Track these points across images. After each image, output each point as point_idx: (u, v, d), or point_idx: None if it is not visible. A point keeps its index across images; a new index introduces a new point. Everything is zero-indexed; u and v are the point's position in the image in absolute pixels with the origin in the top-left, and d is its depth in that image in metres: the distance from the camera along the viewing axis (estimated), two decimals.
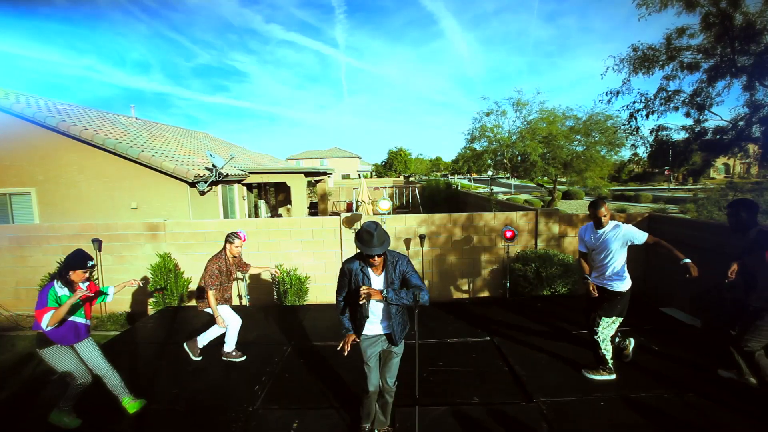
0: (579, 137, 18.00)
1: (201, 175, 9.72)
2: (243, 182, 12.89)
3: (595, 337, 3.47)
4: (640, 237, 3.26)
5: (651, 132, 7.78)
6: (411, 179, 36.96)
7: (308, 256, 6.76)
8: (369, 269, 2.66)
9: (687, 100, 7.15)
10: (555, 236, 6.65)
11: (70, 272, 3.03)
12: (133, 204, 9.51)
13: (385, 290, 2.53)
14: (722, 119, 6.94)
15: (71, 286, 3.06)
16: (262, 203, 15.39)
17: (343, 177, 48.16)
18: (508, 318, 5.24)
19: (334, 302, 6.77)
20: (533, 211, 6.77)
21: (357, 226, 6.65)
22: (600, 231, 3.42)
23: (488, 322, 5.07)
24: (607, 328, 3.44)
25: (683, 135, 7.61)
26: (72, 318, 3.09)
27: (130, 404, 3.26)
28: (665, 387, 3.37)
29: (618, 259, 3.35)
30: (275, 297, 6.45)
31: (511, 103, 18.38)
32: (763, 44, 6.41)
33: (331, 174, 22.06)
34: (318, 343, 4.64)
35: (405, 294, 2.53)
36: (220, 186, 11.12)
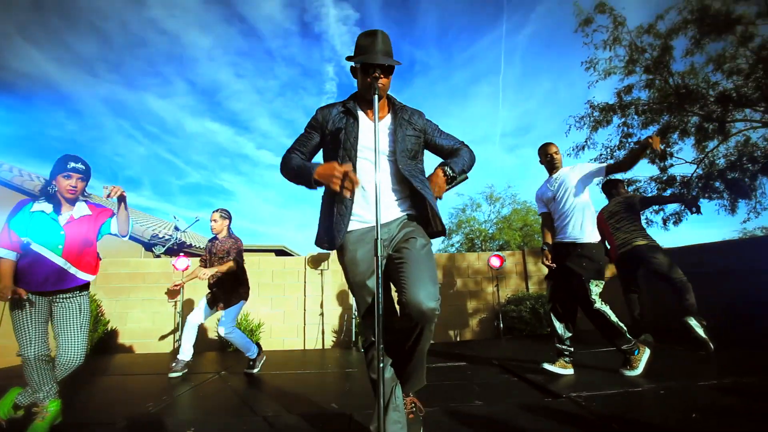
0: None
1: (160, 236, 8.92)
2: None
3: (596, 306, 2.64)
4: (599, 166, 2.80)
5: None
6: None
7: (265, 301, 5.71)
8: (359, 111, 1.58)
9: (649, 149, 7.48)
10: None
11: (53, 182, 2.12)
12: None
13: (446, 167, 1.55)
14: (686, 161, 7.16)
15: (56, 201, 2.12)
16: None
17: None
18: (507, 349, 4.19)
19: (290, 349, 5.49)
20: (520, 251, 6.21)
21: (324, 266, 5.83)
22: (555, 175, 2.95)
23: (482, 351, 3.99)
24: (598, 291, 2.70)
25: (654, 186, 7.72)
26: (37, 248, 2.01)
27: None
28: (741, 375, 2.43)
29: (583, 201, 2.79)
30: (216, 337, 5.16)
31: (485, 196, 19.25)
32: (706, 108, 7.09)
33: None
34: (262, 372, 3.43)
35: (460, 160, 1.60)
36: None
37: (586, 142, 7.80)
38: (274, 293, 5.78)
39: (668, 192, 7.49)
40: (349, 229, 1.54)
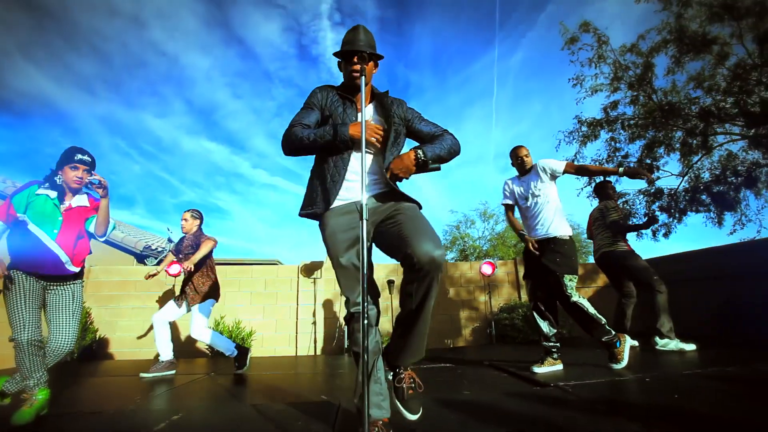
0: None
1: (153, 248, 8.88)
2: None
3: (573, 300, 2.68)
4: (558, 165, 2.90)
5: None
6: None
7: (257, 311, 5.68)
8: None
9: (636, 163, 7.69)
10: None
11: (59, 172, 2.18)
12: None
13: (419, 150, 1.53)
14: (672, 174, 7.35)
15: (61, 189, 2.18)
16: None
17: None
18: (498, 352, 4.18)
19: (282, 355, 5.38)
20: (512, 260, 6.27)
21: (317, 274, 5.84)
22: (525, 177, 3.07)
23: (474, 355, 3.99)
24: (573, 285, 2.75)
25: (642, 199, 7.89)
26: (34, 229, 2.04)
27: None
28: (725, 366, 2.47)
29: (552, 200, 2.90)
30: (206, 349, 5.10)
31: (479, 213, 19.40)
32: (689, 123, 7.35)
33: None
34: (253, 373, 3.40)
35: (437, 146, 1.59)
36: None
37: (575, 156, 8.03)
38: (267, 302, 5.75)
39: (656, 204, 7.68)
40: (331, 206, 1.56)
